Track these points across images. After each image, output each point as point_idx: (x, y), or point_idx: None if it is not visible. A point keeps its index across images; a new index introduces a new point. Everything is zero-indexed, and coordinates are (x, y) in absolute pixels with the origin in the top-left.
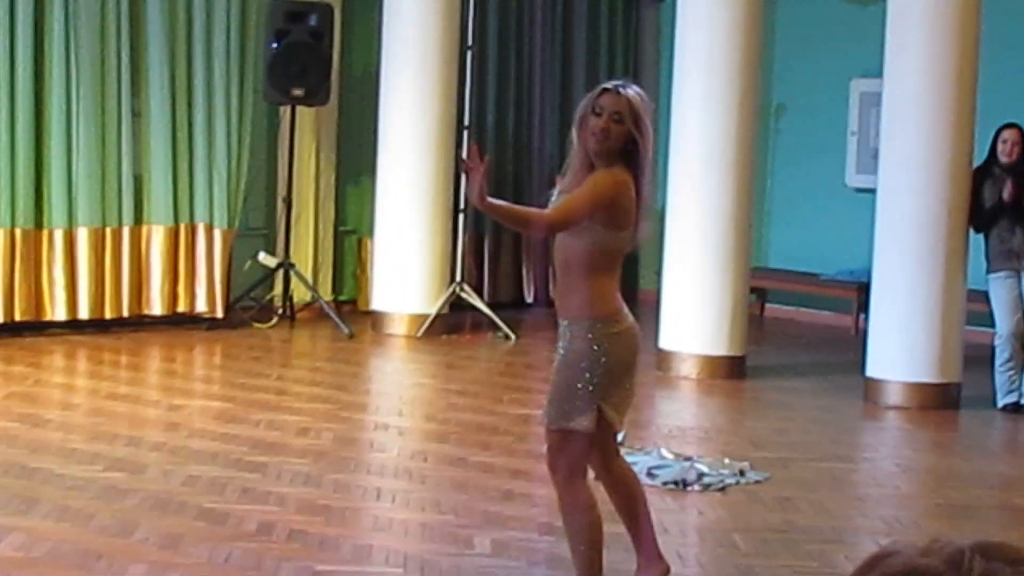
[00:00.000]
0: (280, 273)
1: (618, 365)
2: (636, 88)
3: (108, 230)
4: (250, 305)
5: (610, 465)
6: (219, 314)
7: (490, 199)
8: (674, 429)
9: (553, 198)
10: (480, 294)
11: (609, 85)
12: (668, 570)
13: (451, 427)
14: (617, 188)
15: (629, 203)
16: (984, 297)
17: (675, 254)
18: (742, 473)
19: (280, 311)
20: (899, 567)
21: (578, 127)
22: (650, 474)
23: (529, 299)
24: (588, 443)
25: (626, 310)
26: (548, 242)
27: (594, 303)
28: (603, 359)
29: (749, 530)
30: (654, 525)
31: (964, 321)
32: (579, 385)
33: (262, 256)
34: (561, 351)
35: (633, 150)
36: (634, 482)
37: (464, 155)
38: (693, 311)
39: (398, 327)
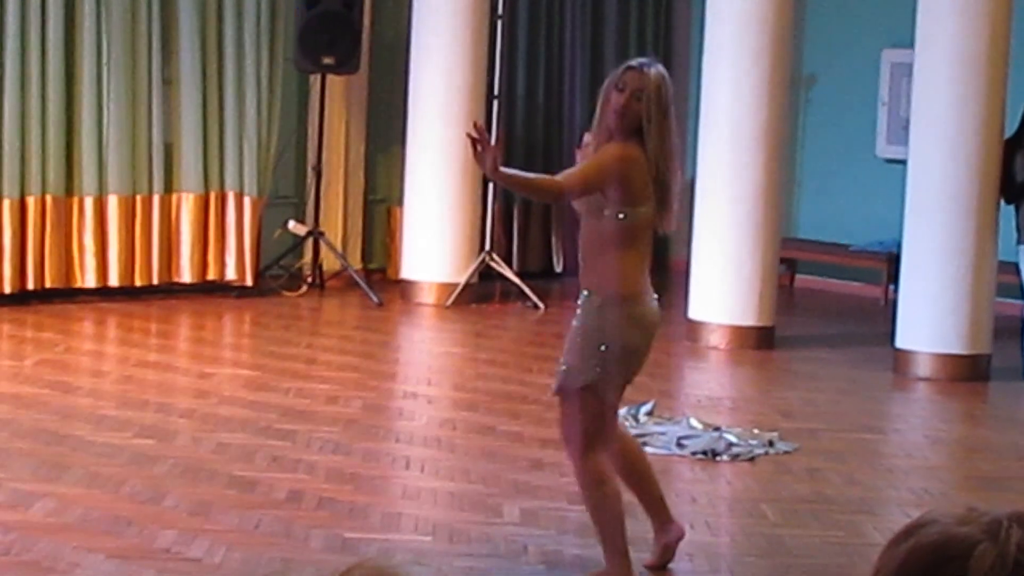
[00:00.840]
0: (310, 241)
1: (631, 344)
2: (660, 68)
3: (138, 198)
4: (279, 273)
5: None
6: (248, 282)
7: (502, 168)
8: (703, 399)
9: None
10: (509, 263)
11: (634, 63)
12: (683, 532)
13: (480, 396)
14: (625, 161)
15: (641, 178)
16: (1014, 268)
17: (705, 224)
18: (771, 443)
19: (309, 279)
20: (936, 535)
21: (602, 103)
22: (679, 444)
23: (558, 268)
24: (602, 412)
25: (649, 292)
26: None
27: (615, 280)
28: (617, 338)
29: (778, 500)
30: (665, 494)
31: (994, 292)
32: (591, 357)
33: (292, 224)
34: (577, 321)
35: (647, 129)
36: (636, 448)
37: (472, 131)
38: (722, 281)
39: (427, 296)
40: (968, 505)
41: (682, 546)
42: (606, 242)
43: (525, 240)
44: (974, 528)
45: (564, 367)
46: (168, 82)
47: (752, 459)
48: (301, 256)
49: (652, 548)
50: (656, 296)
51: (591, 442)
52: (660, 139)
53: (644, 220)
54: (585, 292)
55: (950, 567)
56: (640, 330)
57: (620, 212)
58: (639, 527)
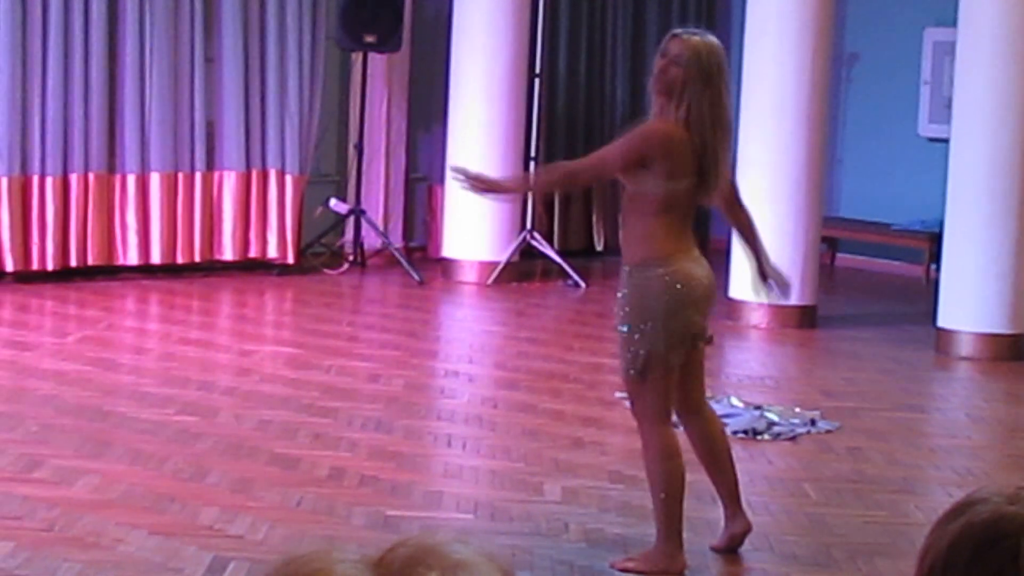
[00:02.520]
0: (351, 219)
1: (675, 307)
2: (708, 37)
3: (180, 175)
4: (321, 251)
5: (692, 413)
6: (290, 260)
7: (505, 180)
8: (744, 378)
9: None
10: (550, 242)
11: (679, 31)
12: (749, 526)
13: (521, 374)
14: (651, 138)
15: (681, 153)
16: None
17: (746, 203)
18: (813, 422)
19: (351, 257)
20: (987, 514)
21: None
22: None
23: (599, 247)
24: (663, 387)
25: (691, 252)
26: (618, 190)
27: (646, 246)
28: (658, 306)
29: (820, 479)
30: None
31: None
32: (637, 335)
33: (333, 202)
34: (619, 297)
35: (681, 93)
36: (720, 432)
37: (456, 176)
38: None
39: (468, 274)
40: (1017, 485)
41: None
42: (639, 210)
43: (566, 218)
44: (1023, 508)
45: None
46: (210, 60)
47: (793, 438)
48: (342, 234)
49: (720, 533)
50: (704, 261)
51: (655, 416)
52: (699, 106)
53: (680, 193)
54: (623, 268)
55: (1001, 546)
56: (683, 290)
57: (656, 184)
58: (687, 504)
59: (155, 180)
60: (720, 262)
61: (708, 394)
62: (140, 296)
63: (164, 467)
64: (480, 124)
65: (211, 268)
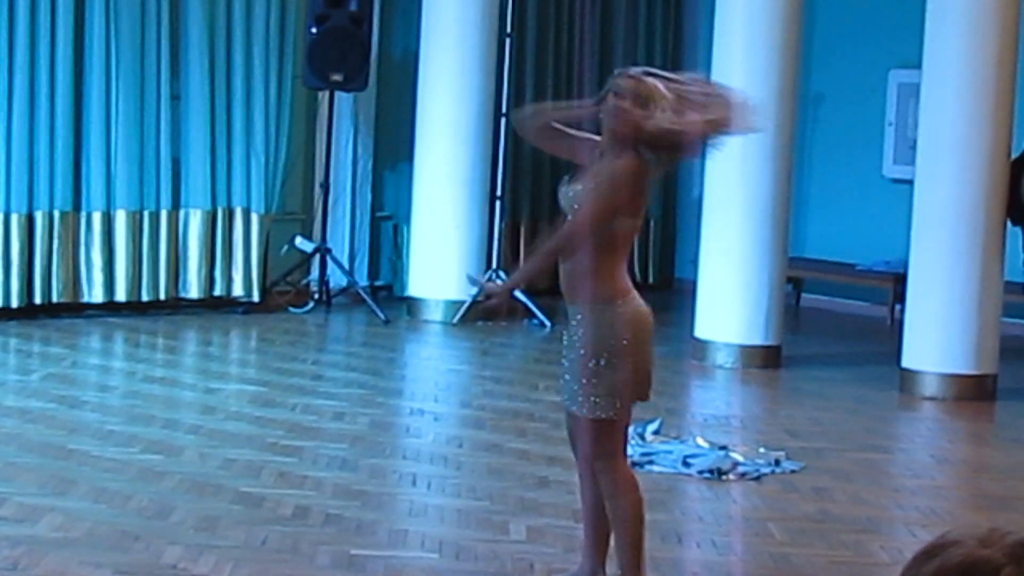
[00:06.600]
0: (317, 258)
1: (627, 347)
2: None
3: (146, 213)
4: (286, 290)
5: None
6: (255, 298)
7: (516, 279)
8: (710, 418)
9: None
10: None
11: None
12: None
13: (486, 413)
14: (632, 176)
15: (632, 191)
16: (1021, 288)
17: (712, 243)
18: (777, 462)
19: (316, 296)
20: (961, 557)
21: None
22: (686, 463)
23: None
24: (627, 423)
25: (633, 291)
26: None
27: (598, 285)
28: (612, 341)
29: (784, 519)
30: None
31: (1000, 312)
32: (595, 371)
33: (299, 241)
34: (569, 338)
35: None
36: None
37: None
38: (730, 300)
39: (434, 313)
40: (989, 526)
41: (689, 564)
42: (602, 247)
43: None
44: (997, 551)
45: (578, 388)
46: (176, 98)
47: (758, 478)
48: (308, 272)
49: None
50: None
51: (620, 452)
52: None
53: (626, 230)
54: (571, 309)
55: None
56: (644, 327)
57: (624, 222)
58: (649, 544)
59: (120, 218)
60: (686, 302)
61: (674, 434)
62: (105, 334)
63: (128, 505)
64: (446, 163)
65: (176, 306)
